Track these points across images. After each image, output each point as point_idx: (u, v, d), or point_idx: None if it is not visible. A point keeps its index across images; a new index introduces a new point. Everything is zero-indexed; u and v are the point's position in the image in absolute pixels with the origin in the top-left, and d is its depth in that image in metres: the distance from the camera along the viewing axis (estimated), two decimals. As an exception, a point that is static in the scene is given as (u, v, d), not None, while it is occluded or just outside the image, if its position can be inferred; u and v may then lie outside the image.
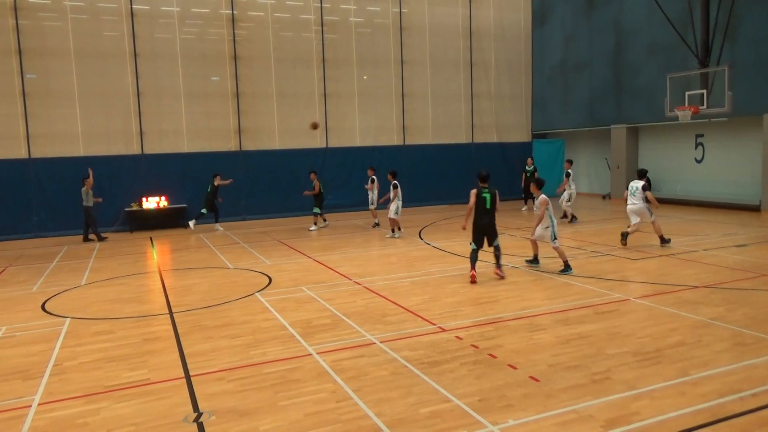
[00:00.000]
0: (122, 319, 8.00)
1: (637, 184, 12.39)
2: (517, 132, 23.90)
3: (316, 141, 20.30)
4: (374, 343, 6.63)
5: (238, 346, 6.71)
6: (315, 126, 16.33)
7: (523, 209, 19.94)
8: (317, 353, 6.35)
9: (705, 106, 15.90)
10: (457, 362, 5.97)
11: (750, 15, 17.66)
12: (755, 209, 17.95)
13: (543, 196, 10.15)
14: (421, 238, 14.36)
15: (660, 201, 21.07)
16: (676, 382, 5.35)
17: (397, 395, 5.22)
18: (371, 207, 16.70)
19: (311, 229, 16.40)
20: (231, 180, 17.45)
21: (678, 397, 5.02)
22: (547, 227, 10.18)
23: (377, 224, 16.81)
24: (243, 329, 7.35)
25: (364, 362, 6.05)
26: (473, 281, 9.49)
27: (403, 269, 10.84)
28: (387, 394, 5.24)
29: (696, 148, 20.59)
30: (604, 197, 24.11)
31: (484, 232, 9.69)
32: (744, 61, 17.80)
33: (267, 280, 10.14)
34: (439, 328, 7.15)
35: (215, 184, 16.81)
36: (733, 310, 7.59)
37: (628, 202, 12.47)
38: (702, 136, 20.39)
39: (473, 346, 6.45)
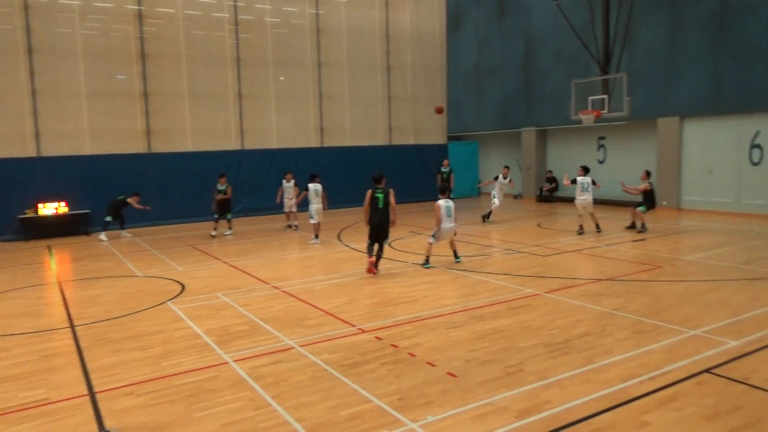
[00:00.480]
0: (17, 336, 7.39)
1: (588, 179, 14.25)
2: (433, 134, 24.42)
3: (231, 143, 19.76)
4: (293, 348, 6.52)
5: (149, 357, 6.38)
6: (440, 110, 15.64)
7: None
8: (234, 361, 6.16)
9: (606, 111, 16.94)
10: (377, 362, 5.98)
11: (644, 26, 19.04)
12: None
13: (437, 202, 10.89)
14: (340, 240, 14.32)
15: (565, 200, 22.27)
16: (583, 370, 5.64)
17: (317, 399, 5.16)
18: (289, 211, 16.52)
19: (227, 233, 15.89)
20: (149, 208, 16.49)
21: (584, 385, 5.29)
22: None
23: (296, 227, 16.60)
24: (154, 340, 6.99)
25: (283, 368, 5.93)
26: (370, 270, 10.14)
27: (322, 272, 10.76)
28: (307, 399, 5.17)
29: (598, 149, 21.91)
30: (516, 197, 25.12)
31: (379, 229, 10.25)
32: (640, 68, 19.16)
33: (180, 288, 9.72)
34: (359, 329, 7.15)
35: (127, 200, 15.84)
36: (633, 300, 8.12)
37: (580, 197, 14.15)
38: (604, 138, 21.74)
39: (393, 345, 6.50)
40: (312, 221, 14.06)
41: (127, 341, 6.98)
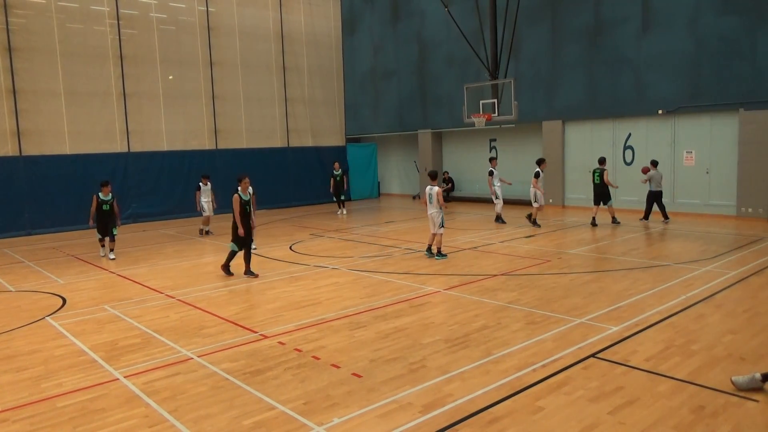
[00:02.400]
0: None
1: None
2: (332, 136, 24.41)
3: (116, 145, 18.50)
4: (191, 359, 6.21)
5: (26, 379, 5.80)
6: (646, 170, 14.68)
7: (337, 213, 20.15)
8: (125, 377, 5.75)
9: (496, 114, 17.78)
10: (281, 368, 5.84)
11: (528, 36, 20.23)
12: (538, 204, 20.59)
13: (437, 187, 11.27)
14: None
15: (461, 199, 23.17)
16: (482, 362, 5.85)
17: (218, 410, 4.94)
18: (209, 214, 15.55)
19: (111, 257, 12.63)
20: None
21: (484, 376, 5.50)
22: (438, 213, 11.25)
23: (209, 232, 15.82)
24: (31, 360, 6.37)
25: (180, 380, 5.62)
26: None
27: (221, 278, 10.36)
28: (207, 411, 4.93)
29: (490, 151, 22.96)
30: (414, 197, 25.70)
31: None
32: (525, 75, 20.32)
33: (60, 302, 8.95)
34: (261, 335, 6.95)
35: None
36: (525, 293, 8.57)
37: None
38: (495, 140, 22.82)
39: (296, 350, 6.38)
40: None
41: (-2, 363, 6.31)
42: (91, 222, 12.62)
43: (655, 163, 15.22)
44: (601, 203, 15.17)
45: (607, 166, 16.10)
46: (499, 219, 16.42)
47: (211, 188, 15.47)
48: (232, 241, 10.33)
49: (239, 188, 10.25)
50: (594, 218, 15.21)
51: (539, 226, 15.18)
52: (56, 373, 5.95)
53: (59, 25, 17.31)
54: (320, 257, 11.96)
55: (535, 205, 15.23)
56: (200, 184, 15.46)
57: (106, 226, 12.56)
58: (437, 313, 7.68)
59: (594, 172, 15.28)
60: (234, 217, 10.14)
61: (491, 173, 16.33)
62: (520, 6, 17.93)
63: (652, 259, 10.80)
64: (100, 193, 12.55)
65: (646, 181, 15.19)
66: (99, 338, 7.06)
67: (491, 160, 16.87)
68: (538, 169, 15.20)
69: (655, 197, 15.23)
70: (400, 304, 8.13)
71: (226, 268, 10.42)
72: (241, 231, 10.09)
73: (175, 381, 5.61)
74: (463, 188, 23.13)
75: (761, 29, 15.01)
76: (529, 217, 15.51)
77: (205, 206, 15.43)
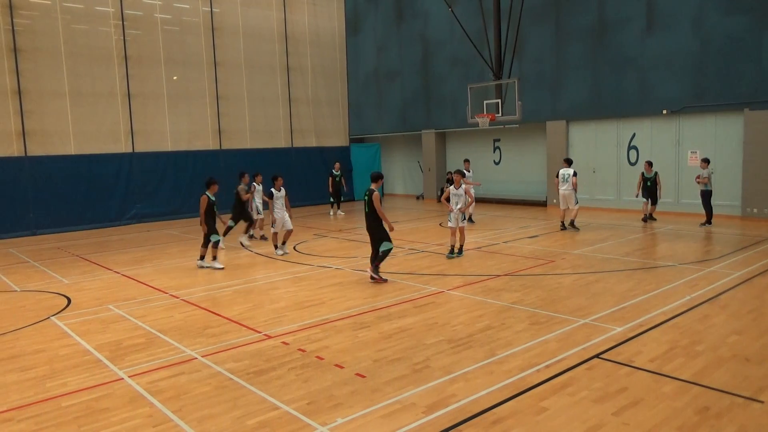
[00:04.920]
0: None
1: (569, 171, 14.30)
2: (336, 137, 24.43)
3: (120, 145, 18.55)
4: (195, 359, 6.22)
5: (30, 379, 5.82)
6: None
7: (329, 213, 19.95)
8: (129, 376, 5.77)
9: (500, 114, 17.76)
10: (285, 368, 5.85)
11: (531, 36, 20.19)
12: (542, 204, 20.59)
13: (464, 187, 11.45)
14: (243, 245, 13.89)
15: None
16: (486, 362, 5.84)
17: (222, 410, 4.95)
18: (260, 216, 14.36)
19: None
20: None
21: (487, 376, 5.49)
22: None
23: (264, 237, 14.49)
24: (36, 360, 6.39)
25: (184, 380, 5.64)
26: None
27: (225, 278, 10.38)
28: (211, 411, 4.94)
29: (494, 151, 22.95)
30: (418, 198, 25.70)
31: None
32: (529, 75, 20.29)
33: (65, 302, 8.98)
34: (265, 335, 6.96)
35: None
36: (529, 293, 8.55)
37: (561, 188, 14.34)
38: (499, 140, 22.79)
39: (300, 350, 6.39)
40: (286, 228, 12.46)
41: (4, 363, 6.32)
42: (204, 227, 11.16)
43: (707, 161, 14.58)
44: (650, 202, 15.51)
45: (610, 166, 16.10)
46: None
47: (252, 188, 14.00)
48: (386, 240, 9.56)
49: (372, 185, 9.72)
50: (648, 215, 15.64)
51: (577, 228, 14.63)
52: (61, 372, 5.98)
53: (64, 26, 17.37)
54: (324, 257, 11.97)
55: (575, 207, 14.42)
56: (254, 183, 14.03)
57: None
58: (441, 313, 7.68)
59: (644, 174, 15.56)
60: (381, 216, 9.42)
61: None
62: (524, 6, 17.90)
63: (657, 259, 10.77)
64: (208, 193, 11.13)
65: (705, 180, 14.37)
66: (103, 338, 7.08)
67: (465, 161, 17.11)
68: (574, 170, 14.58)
69: (709, 197, 14.67)
70: (403, 304, 8.13)
71: (375, 271, 9.64)
72: (391, 226, 9.54)
73: (179, 381, 5.62)
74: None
75: (767, 29, 14.95)
76: (573, 223, 14.65)
77: (261, 208, 14.19)
